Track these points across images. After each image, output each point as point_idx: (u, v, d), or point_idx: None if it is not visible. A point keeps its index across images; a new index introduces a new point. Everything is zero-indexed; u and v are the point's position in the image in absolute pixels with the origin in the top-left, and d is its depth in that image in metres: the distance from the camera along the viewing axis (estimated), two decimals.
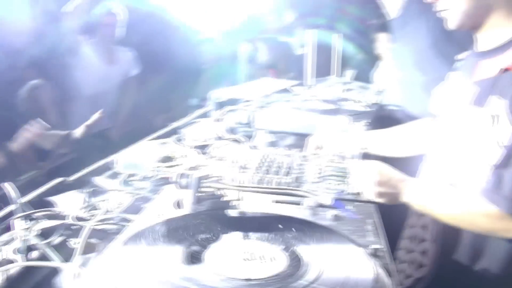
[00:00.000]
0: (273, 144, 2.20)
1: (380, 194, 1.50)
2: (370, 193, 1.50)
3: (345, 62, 5.76)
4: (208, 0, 5.17)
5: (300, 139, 2.22)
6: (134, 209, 1.53)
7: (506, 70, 1.42)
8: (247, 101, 2.68)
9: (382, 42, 4.93)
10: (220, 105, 2.67)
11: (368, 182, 1.51)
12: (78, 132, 3.21)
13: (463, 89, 1.60)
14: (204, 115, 2.71)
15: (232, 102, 2.74)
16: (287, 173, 1.65)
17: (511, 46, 1.47)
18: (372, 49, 5.54)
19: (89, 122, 3.24)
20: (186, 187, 1.32)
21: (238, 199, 1.38)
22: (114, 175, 1.86)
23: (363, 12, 6.01)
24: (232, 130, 2.41)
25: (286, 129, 2.22)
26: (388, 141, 2.04)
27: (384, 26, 5.05)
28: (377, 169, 1.53)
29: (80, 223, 1.38)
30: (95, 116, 3.25)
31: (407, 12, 2.63)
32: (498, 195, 1.36)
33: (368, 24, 6.17)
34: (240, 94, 2.70)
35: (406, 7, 2.62)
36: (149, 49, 4.62)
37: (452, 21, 1.56)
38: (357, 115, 2.26)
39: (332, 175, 1.69)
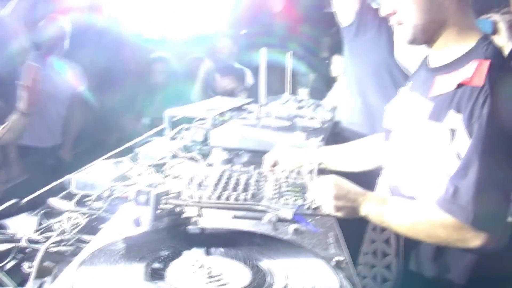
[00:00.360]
0: (229, 161, 2.20)
1: (339, 208, 1.51)
2: (329, 208, 1.51)
3: (299, 80, 5.84)
4: (161, 18, 5.14)
5: (256, 156, 2.23)
6: (91, 229, 1.49)
7: (462, 84, 1.47)
8: (202, 119, 2.67)
9: (337, 64, 5.04)
10: (175, 123, 2.65)
11: (326, 196, 1.53)
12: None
13: (419, 105, 1.63)
14: (159, 134, 2.68)
15: (187, 120, 2.72)
16: (245, 190, 1.65)
17: (465, 61, 1.52)
18: (325, 67, 5.67)
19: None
20: (144, 204, 1.30)
21: (198, 215, 1.37)
22: (69, 196, 1.82)
23: (315, 32, 6.11)
24: (187, 149, 2.40)
25: (241, 146, 2.22)
26: (343, 156, 2.06)
27: (338, 48, 5.18)
28: (335, 183, 1.54)
29: (34, 245, 1.34)
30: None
31: (359, 21, 2.67)
32: (454, 205, 1.39)
33: (321, 43, 6.31)
34: (194, 113, 2.68)
35: (359, 16, 2.66)
36: (101, 66, 4.57)
37: (406, 36, 1.60)
38: (312, 132, 2.28)
39: (289, 191, 1.70)
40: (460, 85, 1.48)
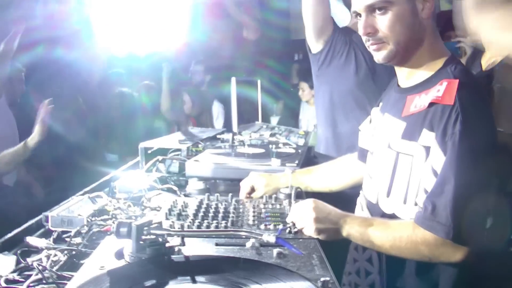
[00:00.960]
0: (205, 191, 2.19)
1: (320, 231, 1.52)
2: (310, 231, 1.52)
3: (269, 108, 5.90)
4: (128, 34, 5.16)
5: (233, 184, 2.23)
6: (72, 266, 1.48)
7: (433, 103, 1.51)
8: (176, 150, 2.67)
9: (305, 90, 5.14)
10: (149, 156, 2.65)
11: (306, 220, 1.54)
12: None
13: (391, 125, 1.67)
14: (134, 167, 2.67)
15: (161, 152, 2.72)
16: (224, 217, 1.65)
17: (435, 81, 1.56)
18: (294, 93, 5.75)
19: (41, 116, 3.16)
20: (126, 236, 1.29)
21: (181, 245, 1.37)
22: (47, 233, 1.80)
23: (281, 59, 6.20)
24: (163, 180, 2.39)
25: (217, 175, 2.23)
26: (319, 177, 2.09)
27: (305, 74, 5.28)
28: (314, 206, 1.56)
29: (13, 286, 1.32)
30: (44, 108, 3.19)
31: (329, 48, 2.71)
32: (434, 222, 1.42)
33: (289, 70, 6.39)
34: (168, 144, 2.69)
35: (329, 43, 2.70)
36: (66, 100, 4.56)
37: (386, 54, 1.63)
38: (287, 157, 2.30)
39: (269, 216, 1.71)
40: (431, 104, 1.52)
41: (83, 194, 2.20)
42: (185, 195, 2.16)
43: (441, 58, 1.63)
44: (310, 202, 1.58)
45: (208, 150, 2.42)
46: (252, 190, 2.02)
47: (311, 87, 5.06)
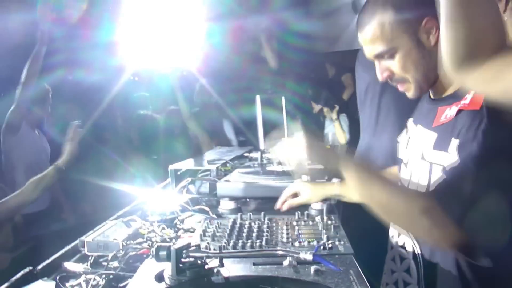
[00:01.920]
0: (237, 210, 2.21)
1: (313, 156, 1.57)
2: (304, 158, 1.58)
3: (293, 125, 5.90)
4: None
5: (263, 203, 2.25)
6: None
7: (460, 111, 1.51)
8: (205, 170, 2.70)
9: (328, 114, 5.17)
10: (179, 177, 2.68)
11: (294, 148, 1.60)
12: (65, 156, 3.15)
13: (423, 136, 1.67)
14: (165, 188, 2.71)
15: (191, 173, 2.75)
16: (258, 237, 1.66)
17: (465, 92, 1.56)
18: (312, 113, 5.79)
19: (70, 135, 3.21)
20: (165, 259, 1.31)
21: (220, 266, 1.38)
22: (83, 258, 1.83)
23: (301, 88, 6.22)
24: (194, 201, 2.41)
25: (248, 194, 2.24)
26: None
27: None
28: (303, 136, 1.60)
29: None
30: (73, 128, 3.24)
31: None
32: (451, 204, 1.39)
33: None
34: (197, 165, 2.71)
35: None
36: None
37: (412, 91, 1.65)
38: (316, 173, 2.30)
39: (302, 233, 1.72)
40: (459, 112, 1.52)
41: (116, 218, 2.24)
42: (217, 215, 2.18)
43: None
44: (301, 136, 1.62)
45: (238, 169, 2.43)
46: (296, 194, 2.02)
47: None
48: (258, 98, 3.66)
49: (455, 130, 1.50)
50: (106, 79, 5.29)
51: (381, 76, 1.65)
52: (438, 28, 1.58)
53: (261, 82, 6.14)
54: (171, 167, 2.63)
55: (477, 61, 1.22)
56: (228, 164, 2.83)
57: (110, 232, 1.98)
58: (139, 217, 2.24)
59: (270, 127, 3.82)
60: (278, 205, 1.95)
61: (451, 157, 1.48)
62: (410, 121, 1.89)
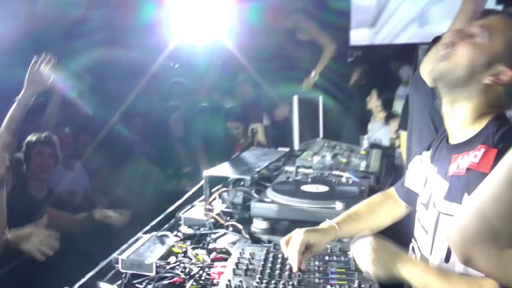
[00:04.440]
0: (270, 231, 2.23)
1: (377, 272, 1.55)
2: (369, 271, 1.56)
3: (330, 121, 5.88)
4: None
5: (297, 224, 2.24)
6: None
7: (469, 169, 1.50)
8: (240, 180, 2.71)
9: (373, 98, 5.09)
10: (214, 185, 2.70)
11: (365, 260, 1.58)
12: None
13: (437, 182, 1.68)
14: (198, 194, 2.73)
15: (226, 181, 2.77)
16: (290, 276, 1.68)
17: (477, 141, 1.56)
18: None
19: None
20: None
21: None
22: (118, 275, 1.88)
23: (338, 66, 6.15)
24: (227, 213, 2.43)
25: (281, 216, 2.25)
26: (361, 222, 1.99)
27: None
28: (373, 247, 1.59)
29: None
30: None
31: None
32: None
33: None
34: (232, 173, 2.72)
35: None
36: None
37: (438, 69, 1.67)
38: (350, 199, 2.29)
39: (335, 273, 1.72)
40: (468, 169, 1.51)
41: (150, 230, 2.28)
42: (250, 235, 2.20)
43: (486, 116, 1.62)
44: (369, 242, 1.62)
45: (273, 186, 2.43)
46: (306, 248, 1.83)
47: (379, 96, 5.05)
48: (295, 98, 3.66)
49: (466, 186, 1.51)
50: (145, 60, 5.33)
51: (451, 35, 1.66)
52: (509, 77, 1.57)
53: (298, 61, 6.10)
54: (205, 173, 2.65)
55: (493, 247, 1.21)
56: (262, 171, 2.84)
57: (144, 249, 2.02)
58: (172, 226, 2.30)
59: (306, 128, 3.83)
60: (295, 268, 1.86)
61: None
62: (426, 155, 1.88)
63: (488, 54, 1.58)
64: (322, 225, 1.93)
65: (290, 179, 2.65)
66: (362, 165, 3.19)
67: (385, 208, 2.06)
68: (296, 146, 3.66)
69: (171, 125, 5.00)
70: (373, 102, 5.06)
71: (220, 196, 2.57)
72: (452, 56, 1.63)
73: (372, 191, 2.75)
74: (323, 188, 2.41)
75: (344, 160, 3.24)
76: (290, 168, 2.78)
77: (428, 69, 2.59)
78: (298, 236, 1.81)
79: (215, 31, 5.46)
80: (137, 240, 2.15)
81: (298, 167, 2.77)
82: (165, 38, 5.43)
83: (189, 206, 2.55)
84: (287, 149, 3.55)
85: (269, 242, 2.16)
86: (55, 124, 4.25)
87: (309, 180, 2.59)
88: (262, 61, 6.07)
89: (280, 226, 2.28)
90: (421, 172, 1.88)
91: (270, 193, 2.34)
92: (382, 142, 4.81)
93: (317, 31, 5.93)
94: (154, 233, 2.18)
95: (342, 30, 6.29)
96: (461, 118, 1.66)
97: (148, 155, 4.87)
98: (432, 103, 2.64)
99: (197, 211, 2.47)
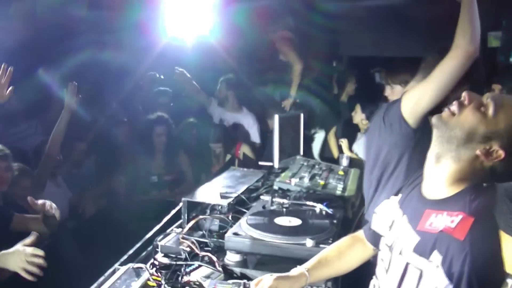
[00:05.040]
0: (242, 263, 2.31)
1: None
2: None
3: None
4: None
5: (269, 261, 2.32)
6: None
7: (443, 231, 1.58)
8: (217, 206, 2.77)
9: (358, 112, 5.15)
10: (192, 208, 2.77)
11: None
12: None
13: (407, 234, 1.75)
14: (177, 218, 2.79)
15: (203, 208, 2.82)
16: None
17: (453, 204, 1.64)
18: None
19: None
20: None
21: None
22: None
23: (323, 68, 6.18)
24: (202, 242, 2.49)
25: (254, 251, 2.31)
26: (331, 266, 2.10)
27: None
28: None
29: None
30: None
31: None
32: None
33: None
34: (210, 199, 2.78)
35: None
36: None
37: (443, 120, 1.73)
38: (321, 234, 2.37)
39: None
40: (441, 231, 1.59)
41: (126, 261, 2.34)
42: (223, 267, 2.27)
43: (465, 182, 1.68)
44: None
45: (247, 219, 2.50)
46: None
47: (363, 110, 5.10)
48: (276, 117, 3.73)
49: (438, 244, 1.59)
50: (133, 61, 5.37)
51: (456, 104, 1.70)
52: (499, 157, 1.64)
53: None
54: (185, 198, 2.72)
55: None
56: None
57: (120, 283, 2.10)
58: (150, 256, 2.36)
59: (288, 144, 3.90)
60: None
61: (432, 267, 1.58)
62: (395, 200, 1.96)
63: (489, 128, 1.63)
64: (293, 272, 2.02)
65: (265, 209, 2.71)
66: (339, 188, 3.27)
67: (353, 251, 2.15)
68: (276, 164, 3.74)
69: (154, 138, 5.02)
70: (358, 116, 5.13)
71: (197, 223, 2.63)
72: (457, 115, 1.68)
73: (345, 220, 2.85)
74: (296, 222, 2.48)
75: (322, 183, 3.31)
76: (265, 198, 2.84)
77: (414, 110, 2.65)
78: (267, 282, 1.90)
79: (202, 31, 5.56)
80: (114, 272, 2.22)
81: (274, 195, 2.84)
82: (153, 40, 5.51)
83: (167, 232, 2.62)
84: (269, 164, 3.65)
85: (242, 275, 2.26)
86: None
87: (284, 211, 2.67)
88: (251, 63, 6.14)
89: (253, 259, 2.35)
90: (388, 215, 1.96)
91: (244, 226, 2.41)
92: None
93: (287, 49, 5.91)
94: (130, 264, 2.25)
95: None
96: (442, 174, 1.72)
97: (133, 161, 4.94)
98: (412, 146, 2.71)
99: (174, 239, 2.54)
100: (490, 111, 1.63)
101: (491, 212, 1.64)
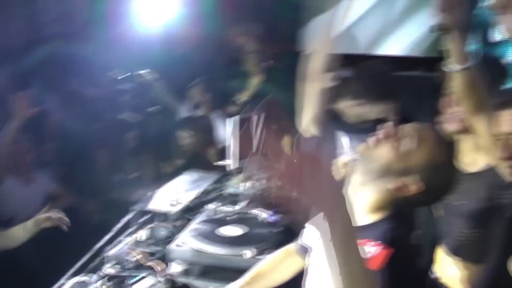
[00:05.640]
0: (185, 273, 2.40)
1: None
2: None
3: None
4: None
5: (212, 271, 2.42)
6: None
7: None
8: (165, 213, 2.85)
9: None
10: (143, 219, 2.85)
11: None
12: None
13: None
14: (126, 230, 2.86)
15: (155, 215, 2.89)
16: None
17: (372, 232, 1.66)
18: None
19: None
20: None
21: None
22: None
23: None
24: (150, 250, 2.58)
25: (196, 261, 2.40)
26: (265, 281, 2.21)
27: None
28: None
29: None
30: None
31: None
32: None
33: None
34: (161, 207, 2.86)
35: None
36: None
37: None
38: (261, 244, 2.46)
39: None
40: None
41: (76, 273, 2.42)
42: (167, 278, 2.36)
43: (384, 210, 1.72)
44: None
45: (190, 230, 2.59)
46: None
47: None
48: (232, 120, 3.79)
49: None
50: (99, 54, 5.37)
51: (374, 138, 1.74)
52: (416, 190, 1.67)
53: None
54: (135, 207, 2.81)
55: None
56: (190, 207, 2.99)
57: None
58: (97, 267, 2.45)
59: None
60: None
61: None
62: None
63: (403, 164, 1.64)
64: None
65: (210, 218, 2.80)
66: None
67: (286, 264, 2.24)
68: (232, 166, 3.81)
69: (123, 139, 5.02)
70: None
71: (145, 231, 2.72)
72: (373, 149, 1.71)
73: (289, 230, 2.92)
74: (238, 231, 2.58)
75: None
76: (211, 206, 2.93)
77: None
78: None
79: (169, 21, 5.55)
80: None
81: (219, 203, 2.91)
82: (119, 31, 5.50)
83: (116, 241, 2.70)
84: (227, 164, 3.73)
85: (184, 285, 2.36)
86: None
87: (229, 219, 2.76)
88: (220, 54, 6.12)
89: (197, 269, 2.43)
90: (317, 229, 2.03)
91: (187, 237, 2.50)
92: None
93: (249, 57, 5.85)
94: (76, 278, 2.34)
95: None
96: (363, 201, 1.75)
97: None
98: None
99: (123, 249, 2.61)
100: (410, 146, 1.66)
101: (409, 240, 1.71)
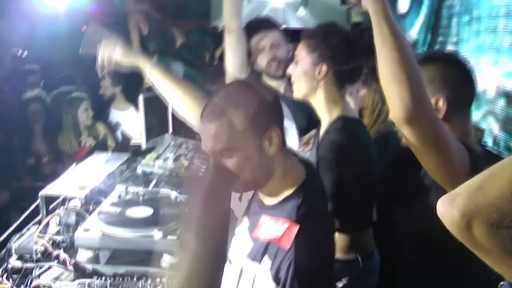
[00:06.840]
0: (94, 259, 2.35)
1: None
2: None
3: None
4: None
5: (120, 254, 2.38)
6: None
7: (270, 241, 1.70)
8: (73, 199, 2.78)
9: None
10: (49, 206, 2.77)
11: None
12: None
13: (244, 240, 1.86)
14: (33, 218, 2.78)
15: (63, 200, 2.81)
16: None
17: (281, 210, 1.75)
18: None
19: None
20: None
21: None
22: None
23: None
24: (57, 240, 2.50)
25: (105, 246, 2.35)
26: None
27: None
28: None
29: None
30: None
31: None
32: None
33: None
34: (70, 192, 2.79)
35: None
36: None
37: (240, 188, 1.84)
38: (171, 225, 2.43)
39: None
40: (270, 240, 1.71)
41: None
42: (75, 265, 2.31)
43: (292, 187, 1.79)
44: None
45: (98, 213, 2.53)
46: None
47: None
48: (141, 97, 3.74)
49: (268, 250, 1.70)
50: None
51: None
52: (280, 139, 1.74)
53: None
54: (42, 192, 2.73)
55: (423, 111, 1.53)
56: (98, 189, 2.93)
57: None
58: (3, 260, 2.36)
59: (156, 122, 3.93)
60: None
61: (263, 271, 1.69)
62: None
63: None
64: None
65: (120, 199, 2.74)
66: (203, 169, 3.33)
67: None
68: (144, 145, 3.77)
69: (30, 117, 4.86)
70: None
71: (54, 218, 2.64)
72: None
73: None
74: (148, 212, 2.54)
75: (186, 164, 3.35)
76: (121, 186, 2.86)
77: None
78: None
79: None
80: None
81: (127, 187, 2.85)
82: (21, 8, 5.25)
83: (23, 231, 2.61)
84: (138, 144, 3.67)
85: (94, 271, 2.31)
86: None
87: (139, 200, 2.71)
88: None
89: (105, 253, 2.39)
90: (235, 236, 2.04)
91: (94, 220, 2.44)
92: None
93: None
94: None
95: None
96: (267, 188, 1.84)
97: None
98: None
99: (29, 239, 2.53)
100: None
101: (317, 213, 1.77)
